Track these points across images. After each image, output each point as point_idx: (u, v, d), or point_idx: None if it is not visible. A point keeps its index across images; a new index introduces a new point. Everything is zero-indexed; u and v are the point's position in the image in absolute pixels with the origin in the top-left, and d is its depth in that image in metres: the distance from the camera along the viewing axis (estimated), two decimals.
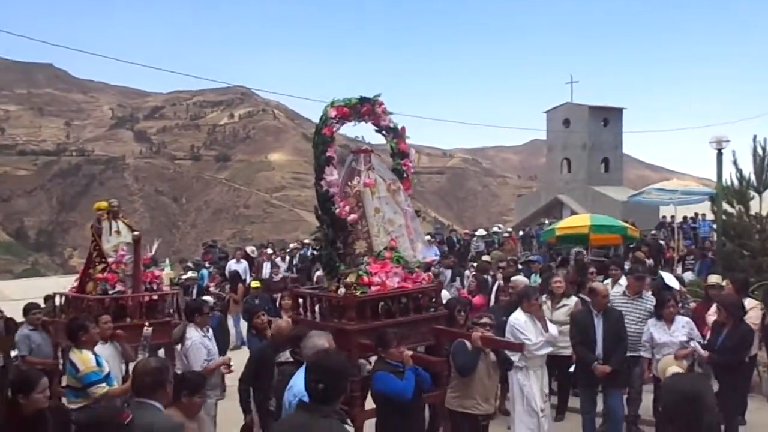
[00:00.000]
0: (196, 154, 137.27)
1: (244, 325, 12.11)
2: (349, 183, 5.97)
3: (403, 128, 6.35)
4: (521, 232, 24.66)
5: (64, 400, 5.73)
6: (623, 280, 8.08)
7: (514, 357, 6.00)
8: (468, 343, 5.53)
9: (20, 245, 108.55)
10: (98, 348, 5.99)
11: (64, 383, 7.65)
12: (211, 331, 6.81)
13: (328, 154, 5.77)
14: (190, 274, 14.86)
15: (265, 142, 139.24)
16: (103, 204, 8.34)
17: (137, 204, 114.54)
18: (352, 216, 5.75)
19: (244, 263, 17.69)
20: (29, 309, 8.62)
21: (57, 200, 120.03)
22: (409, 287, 5.74)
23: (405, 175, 6.33)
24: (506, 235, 21.76)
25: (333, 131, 5.84)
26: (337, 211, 5.68)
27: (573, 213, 25.56)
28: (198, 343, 6.39)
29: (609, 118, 31.83)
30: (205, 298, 12.28)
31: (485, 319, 5.75)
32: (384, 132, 6.29)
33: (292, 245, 20.59)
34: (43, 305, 9.32)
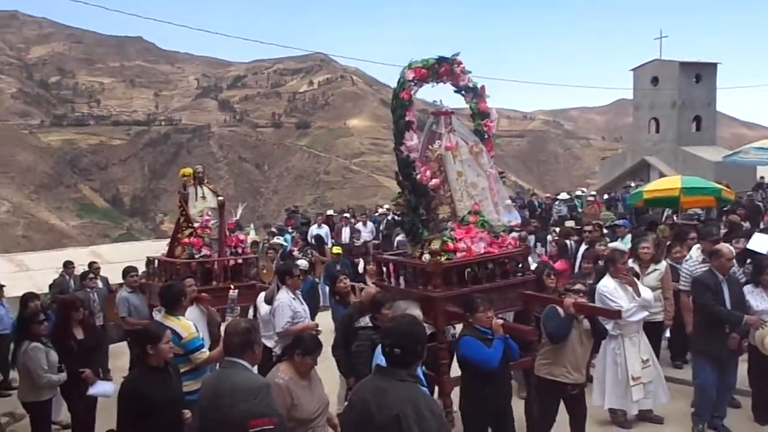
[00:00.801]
0: (277, 121, 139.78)
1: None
2: (430, 147, 5.80)
3: (482, 87, 6.10)
4: (606, 196, 23.76)
5: None
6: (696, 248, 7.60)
7: (608, 324, 5.75)
8: (560, 310, 5.32)
9: (116, 211, 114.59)
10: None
11: None
12: (299, 293, 6.77)
13: (407, 118, 5.61)
14: (277, 239, 15.14)
15: (344, 108, 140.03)
16: (189, 170, 8.53)
17: (222, 171, 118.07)
18: (434, 181, 5.59)
19: (326, 228, 17.91)
20: (127, 272, 8.97)
21: (148, 168, 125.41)
22: (496, 252, 5.56)
23: (487, 136, 6.10)
24: (590, 198, 21.00)
25: (411, 94, 5.66)
26: (418, 176, 5.53)
27: (661, 175, 24.41)
28: (285, 304, 6.38)
29: (701, 74, 29.89)
30: (300, 261, 12.50)
31: (579, 286, 5.51)
32: (463, 92, 6.06)
33: (380, 210, 20.58)
34: (144, 269, 9.69)
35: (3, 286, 11.95)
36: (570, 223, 13.98)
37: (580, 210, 19.69)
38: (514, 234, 6.39)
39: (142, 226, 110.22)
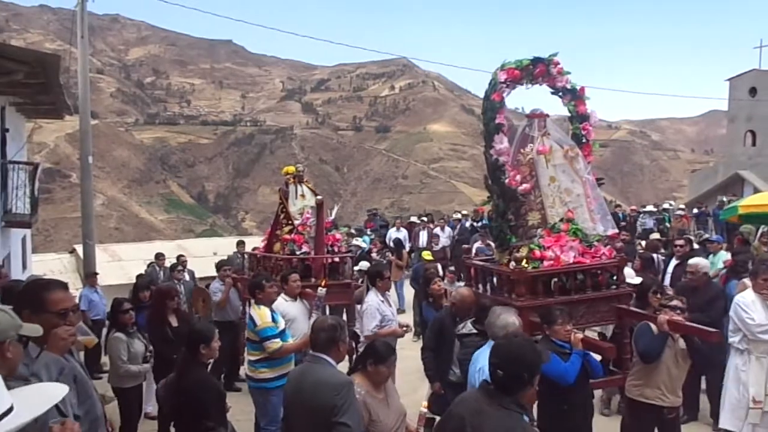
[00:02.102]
0: (357, 125, 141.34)
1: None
2: (522, 150, 5.59)
3: (582, 89, 5.82)
4: (695, 210, 22.64)
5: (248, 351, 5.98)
6: None
7: (734, 337, 5.36)
8: (653, 327, 4.96)
9: (201, 207, 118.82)
10: (287, 305, 6.28)
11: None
12: (388, 296, 6.80)
13: (497, 120, 5.41)
14: (356, 240, 15.23)
15: (425, 113, 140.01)
16: (291, 168, 8.70)
17: (304, 175, 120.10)
18: (524, 185, 5.38)
19: (404, 231, 17.91)
20: (220, 266, 9.26)
21: (233, 167, 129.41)
22: (587, 262, 5.27)
23: (585, 141, 5.81)
24: (678, 212, 20.09)
25: (503, 96, 5.46)
26: (507, 180, 5.34)
27: (756, 191, 22.94)
28: (374, 308, 6.38)
29: None
30: (362, 263, 12.52)
31: (675, 302, 5.11)
32: (561, 94, 5.80)
33: (455, 216, 20.44)
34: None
35: (97, 274, 12.55)
36: (655, 237, 13.38)
37: (667, 224, 18.92)
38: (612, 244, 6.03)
39: (224, 222, 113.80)
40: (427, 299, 7.25)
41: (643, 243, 12.54)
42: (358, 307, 7.08)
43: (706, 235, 15.07)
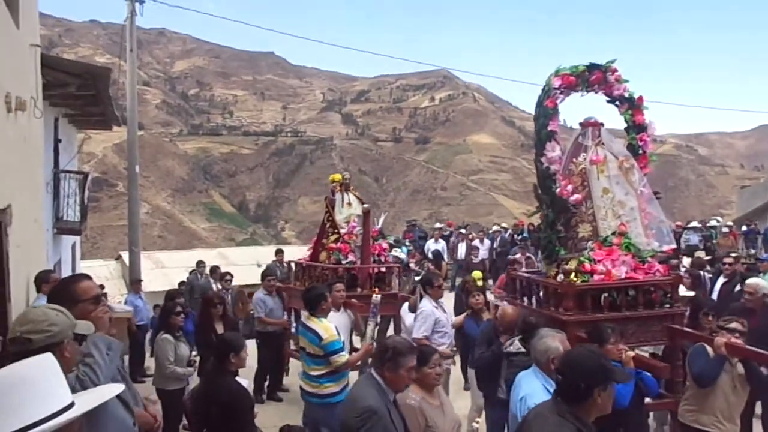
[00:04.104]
0: (397, 136, 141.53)
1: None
2: (574, 160, 5.45)
3: (640, 98, 5.63)
4: (744, 227, 21.93)
5: (302, 367, 5.82)
6: None
7: None
8: (709, 349, 4.74)
9: (242, 216, 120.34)
10: (330, 316, 6.13)
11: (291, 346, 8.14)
12: (442, 302, 6.80)
13: (550, 128, 5.29)
14: (394, 251, 15.19)
15: (465, 125, 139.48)
16: (338, 176, 8.65)
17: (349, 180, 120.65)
18: (576, 196, 5.24)
19: (443, 243, 17.84)
20: (265, 275, 9.24)
21: (273, 177, 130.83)
22: (640, 278, 5.09)
23: (641, 152, 5.62)
24: (725, 229, 19.50)
25: (557, 103, 5.33)
26: (558, 190, 5.20)
27: None
28: (428, 312, 6.40)
29: None
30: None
31: (735, 324, 4.84)
32: (617, 103, 5.64)
33: (494, 228, 20.26)
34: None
35: (141, 280, 12.81)
36: (701, 254, 13.00)
37: (714, 240, 18.41)
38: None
39: (264, 231, 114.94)
40: (467, 312, 7.19)
41: (687, 260, 12.17)
42: (408, 316, 7.05)
43: (755, 253, 14.64)
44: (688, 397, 4.86)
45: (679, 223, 23.05)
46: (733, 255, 10.97)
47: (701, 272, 10.16)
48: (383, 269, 8.16)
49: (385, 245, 8.81)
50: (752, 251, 16.97)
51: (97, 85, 10.18)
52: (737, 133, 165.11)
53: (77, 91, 10.02)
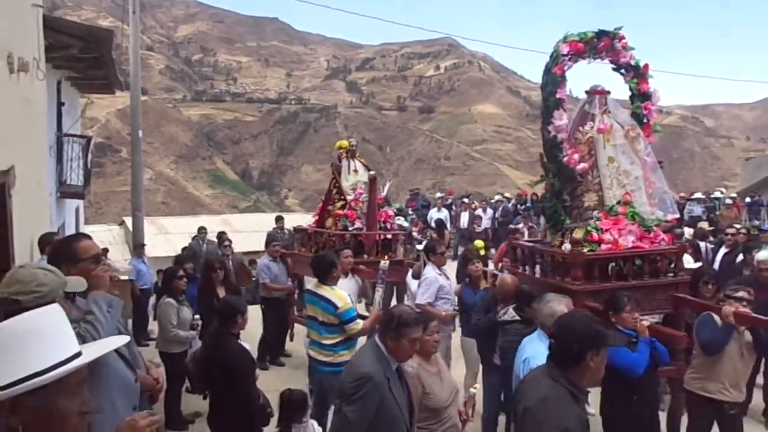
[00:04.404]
0: (401, 105, 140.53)
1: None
2: (581, 128, 5.39)
3: (646, 66, 5.55)
4: (748, 199, 21.86)
5: (310, 336, 5.78)
6: None
7: None
8: (717, 318, 4.75)
9: (245, 184, 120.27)
10: (339, 282, 6.12)
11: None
12: (445, 270, 6.86)
13: (558, 95, 5.20)
14: (397, 220, 15.19)
15: (470, 94, 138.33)
16: (344, 143, 8.60)
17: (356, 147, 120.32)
18: (582, 165, 5.18)
19: (445, 212, 17.84)
20: (269, 241, 9.29)
21: (277, 144, 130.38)
22: (646, 248, 5.07)
23: (646, 120, 5.56)
24: (729, 201, 19.43)
25: (564, 70, 5.24)
26: (565, 159, 5.14)
27: None
28: (432, 279, 6.46)
29: None
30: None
31: (742, 293, 4.86)
32: (623, 71, 5.55)
33: (497, 197, 20.23)
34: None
35: (145, 245, 12.83)
36: (704, 225, 13.02)
37: (717, 212, 18.38)
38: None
39: (267, 199, 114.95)
40: (464, 279, 7.22)
41: (689, 231, 12.18)
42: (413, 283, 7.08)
43: (758, 225, 14.64)
44: (695, 366, 4.88)
45: (682, 194, 22.96)
46: (736, 226, 10.99)
47: (702, 242, 10.18)
48: (389, 236, 8.12)
49: (390, 212, 8.81)
50: (755, 222, 16.96)
51: (100, 47, 10.07)
52: (745, 105, 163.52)
53: (80, 53, 9.90)
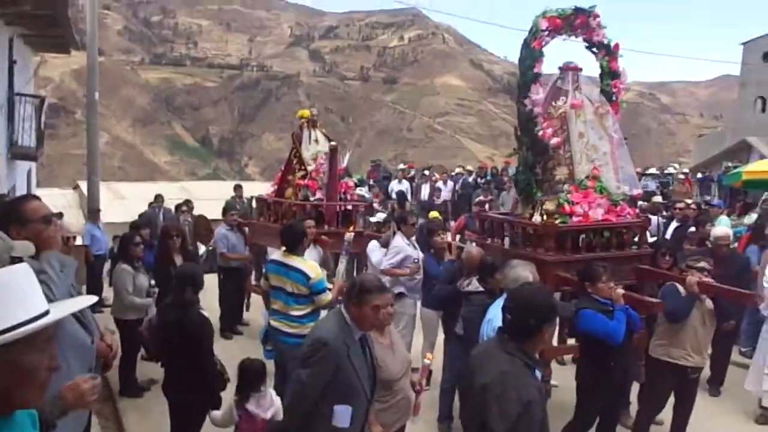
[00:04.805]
0: (365, 75, 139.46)
1: None
2: (553, 104, 5.41)
3: (617, 45, 5.67)
4: (699, 175, 22.48)
5: (276, 304, 5.60)
6: None
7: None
8: (680, 288, 4.94)
9: (205, 150, 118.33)
10: None
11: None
12: (413, 240, 6.94)
13: (535, 69, 5.24)
14: (358, 191, 15.08)
15: (433, 66, 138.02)
16: (306, 112, 8.44)
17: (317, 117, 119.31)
18: (556, 139, 5.22)
19: (406, 183, 17.81)
20: (227, 210, 9.17)
21: (238, 112, 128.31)
22: (613, 220, 5.18)
23: (614, 98, 5.67)
24: (681, 176, 19.99)
25: (543, 44, 5.24)
26: (540, 133, 5.14)
27: (763, 157, 22.78)
28: (400, 247, 6.60)
29: None
30: (378, 214, 12.42)
31: (703, 263, 5.07)
32: (595, 49, 5.62)
33: (456, 170, 20.26)
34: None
35: (99, 210, 12.47)
36: (657, 200, 13.42)
37: (670, 187, 18.89)
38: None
39: (227, 167, 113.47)
40: (429, 251, 7.23)
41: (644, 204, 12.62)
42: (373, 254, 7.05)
43: (709, 200, 15.14)
44: (660, 333, 5.08)
45: (638, 169, 23.44)
46: (687, 201, 11.40)
47: (654, 216, 10.48)
48: (349, 207, 8.07)
49: (351, 183, 8.74)
50: (706, 198, 17.55)
51: (55, 4, 9.63)
52: (700, 83, 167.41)
53: (33, 9, 9.47)
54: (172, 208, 12.90)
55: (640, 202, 13.31)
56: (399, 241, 6.65)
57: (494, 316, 3.92)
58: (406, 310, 6.48)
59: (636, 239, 5.44)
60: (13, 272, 1.81)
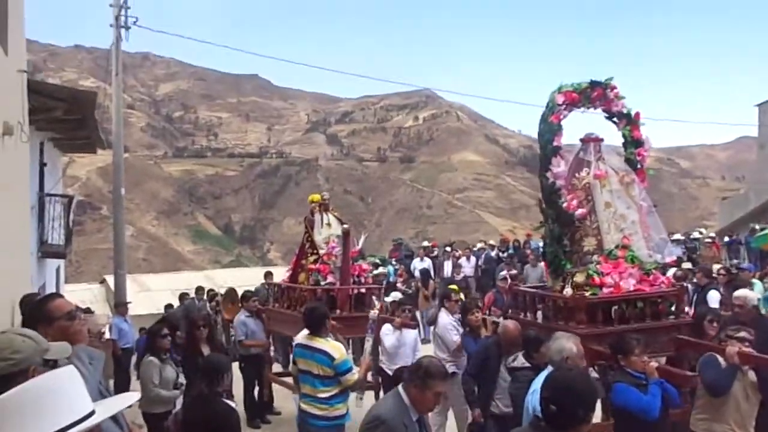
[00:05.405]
0: (382, 156, 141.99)
1: None
2: (577, 175, 5.48)
3: (637, 114, 5.71)
4: (726, 238, 22.12)
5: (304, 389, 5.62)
6: None
7: None
8: (721, 359, 4.72)
9: (227, 238, 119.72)
10: None
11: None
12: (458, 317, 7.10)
13: (555, 143, 5.35)
14: (380, 269, 15.05)
15: (448, 143, 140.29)
16: (317, 196, 8.58)
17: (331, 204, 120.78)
18: (581, 210, 5.23)
19: (429, 261, 17.73)
20: (247, 297, 9.14)
21: (258, 198, 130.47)
22: (647, 290, 5.07)
23: (639, 166, 5.70)
24: (708, 240, 19.67)
25: (561, 118, 5.36)
26: (565, 204, 5.18)
27: None
28: (449, 325, 6.75)
29: None
30: (393, 293, 12.33)
31: (743, 333, 4.86)
32: (615, 119, 5.70)
33: (479, 245, 20.20)
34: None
35: (128, 303, 12.57)
36: (687, 266, 13.17)
37: (697, 252, 18.58)
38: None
39: (250, 253, 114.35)
40: (465, 329, 7.18)
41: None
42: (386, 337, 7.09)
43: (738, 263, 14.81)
44: (700, 407, 4.84)
45: (661, 236, 23.14)
46: (720, 267, 11.13)
47: (684, 283, 10.26)
48: (363, 290, 8.02)
49: (365, 266, 8.70)
50: (735, 261, 17.21)
51: (83, 109, 10.09)
52: (717, 145, 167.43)
53: (63, 115, 9.90)
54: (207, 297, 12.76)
55: (672, 270, 13.13)
56: (444, 318, 6.79)
57: (537, 387, 3.84)
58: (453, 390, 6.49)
59: (672, 308, 5.29)
60: (59, 377, 1.89)
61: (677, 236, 20.92)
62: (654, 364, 4.47)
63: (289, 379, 7.35)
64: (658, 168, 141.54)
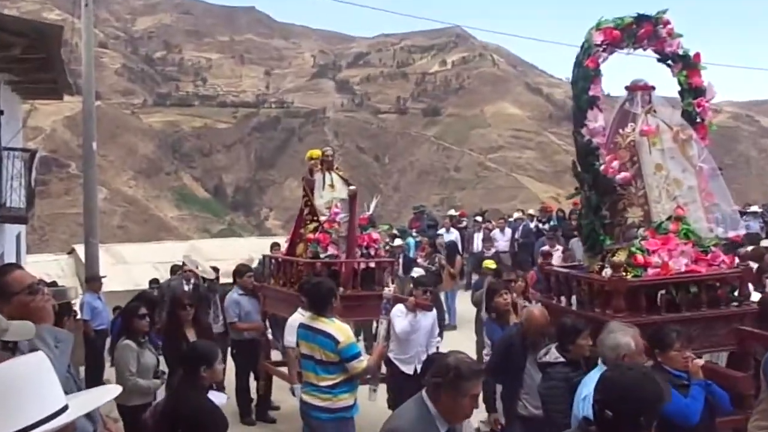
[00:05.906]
0: (401, 107, 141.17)
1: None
2: (621, 131, 5.40)
3: (697, 55, 5.56)
4: None
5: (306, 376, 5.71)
6: None
7: None
8: None
9: (218, 203, 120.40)
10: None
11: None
12: None
13: (591, 93, 5.22)
14: (397, 241, 15.08)
15: (482, 93, 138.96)
16: (316, 152, 8.41)
17: (336, 162, 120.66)
18: (623, 174, 5.18)
19: (456, 233, 17.68)
20: (243, 272, 8.93)
21: (255, 156, 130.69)
22: (703, 272, 5.05)
23: (700, 120, 5.56)
24: None
25: (599, 62, 5.26)
26: (602, 167, 5.14)
27: None
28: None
29: None
30: (416, 269, 12.37)
31: None
32: (670, 62, 5.57)
33: (516, 215, 20.14)
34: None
35: (101, 278, 12.72)
36: (765, 243, 13.07)
37: None
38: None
39: (244, 221, 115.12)
40: (490, 314, 7.16)
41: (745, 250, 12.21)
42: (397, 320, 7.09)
43: None
44: (760, 413, 4.81)
45: (736, 207, 22.93)
46: None
47: (756, 264, 10.19)
48: (372, 264, 7.94)
49: (375, 235, 8.55)
50: None
51: (47, 46, 10.10)
52: None
53: (23, 53, 9.94)
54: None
55: (742, 248, 13.00)
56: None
57: (591, 393, 3.82)
58: None
59: (735, 294, 5.25)
60: (26, 364, 1.85)
61: (754, 208, 20.73)
62: (699, 362, 4.44)
63: (285, 369, 7.38)
64: (733, 126, 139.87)
